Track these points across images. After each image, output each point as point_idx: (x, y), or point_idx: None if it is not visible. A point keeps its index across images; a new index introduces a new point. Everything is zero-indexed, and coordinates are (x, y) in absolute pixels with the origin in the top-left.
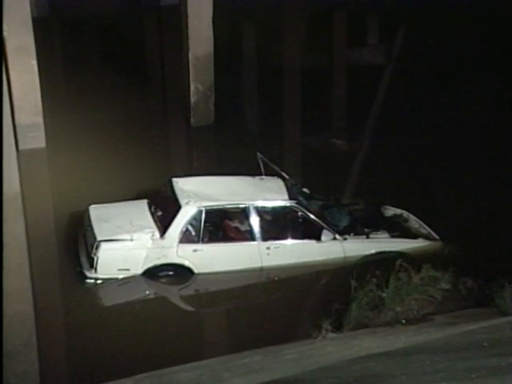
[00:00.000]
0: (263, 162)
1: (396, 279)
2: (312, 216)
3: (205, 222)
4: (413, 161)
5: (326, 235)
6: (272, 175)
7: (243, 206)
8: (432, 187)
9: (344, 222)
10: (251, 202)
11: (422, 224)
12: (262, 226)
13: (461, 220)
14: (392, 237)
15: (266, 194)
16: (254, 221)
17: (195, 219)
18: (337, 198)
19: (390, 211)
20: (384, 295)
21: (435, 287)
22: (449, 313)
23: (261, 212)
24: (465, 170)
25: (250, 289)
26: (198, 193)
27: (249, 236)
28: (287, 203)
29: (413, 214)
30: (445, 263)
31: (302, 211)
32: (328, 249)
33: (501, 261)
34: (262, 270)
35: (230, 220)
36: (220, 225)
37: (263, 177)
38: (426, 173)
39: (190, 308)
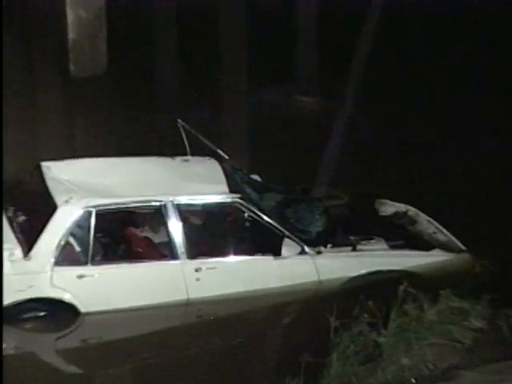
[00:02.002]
0: (187, 133)
1: (400, 314)
2: (266, 218)
3: (96, 230)
4: (419, 134)
5: (288, 247)
6: (203, 155)
7: (157, 203)
8: (449, 171)
9: (317, 226)
10: (170, 198)
11: (439, 227)
12: (187, 236)
13: (495, 223)
14: (392, 248)
15: (194, 185)
16: (175, 227)
17: (80, 227)
18: (305, 188)
19: (390, 208)
20: (381, 340)
21: (462, 325)
22: (483, 365)
23: (185, 213)
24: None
25: (169, 337)
26: (85, 184)
27: (167, 251)
28: (227, 198)
29: (424, 212)
30: (476, 288)
31: (250, 211)
32: (293, 269)
33: None
34: (188, 304)
35: (137, 227)
36: (120, 235)
37: (188, 157)
38: (438, 150)
39: (70, 371)
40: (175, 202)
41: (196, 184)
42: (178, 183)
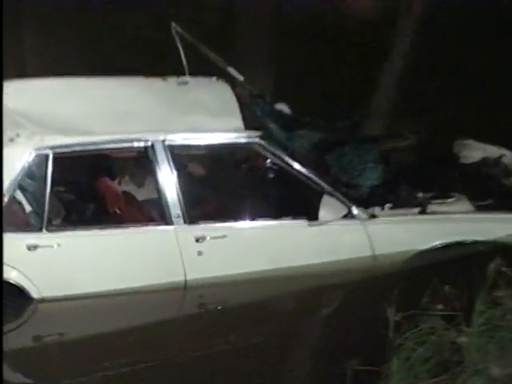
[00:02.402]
0: (184, 41)
1: (489, 304)
2: (297, 166)
3: (54, 182)
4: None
5: (329, 209)
6: (208, 75)
7: (141, 144)
8: None
9: (371, 179)
10: (159, 137)
11: None
12: (184, 191)
13: None
14: (479, 209)
15: (194, 118)
16: (167, 179)
17: (31, 176)
18: (354, 123)
19: (476, 152)
20: (463, 341)
21: None
22: None
23: (182, 159)
24: None
25: (158, 336)
26: (39, 116)
27: (155, 213)
28: (241, 138)
29: None
30: None
31: (274, 155)
32: (335, 239)
33: None
34: (185, 288)
35: (113, 178)
36: (89, 189)
37: (187, 78)
38: None
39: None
40: (167, 143)
41: (197, 116)
42: (172, 115)
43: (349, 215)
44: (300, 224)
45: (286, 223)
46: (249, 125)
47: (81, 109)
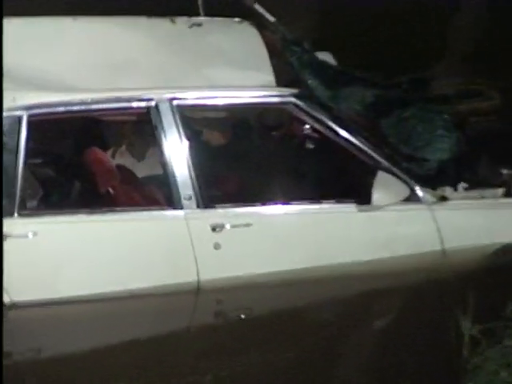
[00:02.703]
0: None
1: None
2: (345, 134)
3: (29, 152)
4: None
5: (386, 189)
6: (230, 15)
7: (142, 104)
8: None
9: (441, 151)
10: (165, 95)
11: None
12: (197, 166)
13: None
14: None
15: (211, 71)
16: (175, 150)
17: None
18: (419, 79)
19: None
20: None
21: None
22: None
23: (194, 124)
24: None
25: (166, 352)
26: (12, 67)
27: (159, 194)
28: (272, 96)
29: None
30: None
31: (314, 119)
32: (394, 229)
33: None
34: (199, 291)
35: (106, 148)
36: (75, 162)
37: (202, 19)
38: None
39: None
40: (176, 103)
41: (214, 68)
42: (182, 67)
43: (411, 198)
44: (347, 209)
45: (329, 208)
46: (282, 80)
47: (66, 58)
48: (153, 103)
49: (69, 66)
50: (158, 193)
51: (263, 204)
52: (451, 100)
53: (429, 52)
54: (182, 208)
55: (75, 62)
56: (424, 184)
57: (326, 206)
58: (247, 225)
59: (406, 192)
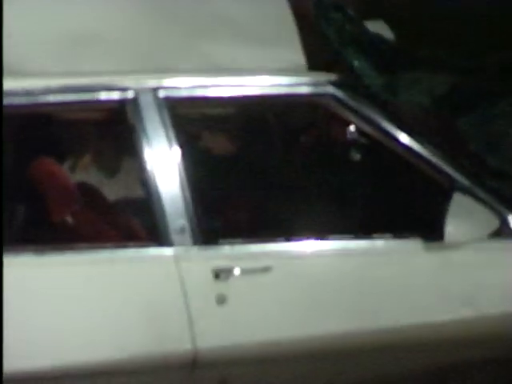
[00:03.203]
0: None
1: None
2: (406, 139)
3: None
4: None
5: (467, 218)
6: None
7: (116, 96)
8: None
9: None
10: (151, 82)
11: None
12: (194, 185)
13: None
14: None
15: (215, 48)
16: (163, 162)
17: None
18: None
19: None
20: None
21: None
22: None
23: (191, 124)
24: None
25: None
26: None
27: (140, 225)
28: (302, 85)
29: None
30: None
31: (361, 119)
32: (480, 276)
33: None
34: (195, 366)
35: (62, 158)
36: (19, 177)
37: None
38: None
39: None
40: (162, 94)
41: (220, 45)
42: (174, 42)
43: (503, 231)
44: (410, 248)
45: (384, 246)
46: (315, 61)
47: (13, 30)
48: (130, 95)
49: (17, 42)
50: (136, 223)
51: (288, 239)
52: None
53: None
54: (171, 245)
55: (18, 35)
56: None
57: (379, 244)
58: (265, 269)
59: (494, 223)
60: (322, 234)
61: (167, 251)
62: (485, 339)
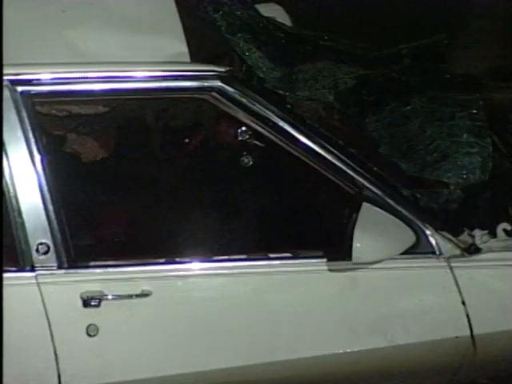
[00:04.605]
0: None
1: None
2: (306, 141)
3: None
4: None
5: (376, 234)
6: None
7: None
8: None
9: (469, 169)
10: (7, 73)
11: None
12: (57, 196)
13: None
14: None
15: (81, 35)
16: (20, 168)
17: None
18: (428, 46)
19: None
20: None
21: None
22: None
23: (55, 124)
24: None
25: None
26: None
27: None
28: (185, 79)
29: None
30: None
31: (254, 119)
32: (391, 299)
33: None
34: None
35: None
36: None
37: None
38: None
39: None
40: (20, 89)
41: (89, 31)
42: (31, 30)
43: (420, 248)
44: (312, 268)
45: (281, 266)
46: (201, 52)
47: None
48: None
49: None
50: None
51: (170, 260)
52: (482, 84)
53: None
54: (32, 268)
55: None
56: (440, 226)
57: (276, 263)
58: (143, 295)
59: (409, 239)
60: (209, 253)
61: (28, 275)
62: (401, 372)
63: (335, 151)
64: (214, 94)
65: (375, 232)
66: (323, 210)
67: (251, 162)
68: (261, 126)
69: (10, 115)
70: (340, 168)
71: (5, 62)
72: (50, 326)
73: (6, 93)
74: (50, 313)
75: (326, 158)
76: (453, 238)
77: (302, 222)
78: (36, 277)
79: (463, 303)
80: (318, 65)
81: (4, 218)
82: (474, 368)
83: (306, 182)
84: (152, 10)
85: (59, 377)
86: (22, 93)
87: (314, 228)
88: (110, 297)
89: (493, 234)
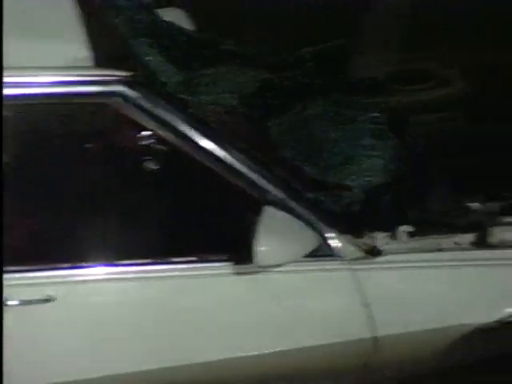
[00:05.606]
0: None
1: None
2: (209, 145)
3: None
4: None
5: (278, 238)
6: None
7: None
8: None
9: (370, 173)
10: None
11: None
12: None
13: None
14: None
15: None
16: None
17: None
18: (332, 49)
19: None
20: None
21: None
22: None
23: None
24: None
25: None
26: None
27: None
28: (86, 84)
29: None
30: None
31: (157, 123)
32: (292, 302)
33: None
34: None
35: None
36: None
37: None
38: None
39: None
40: None
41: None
42: None
43: (320, 251)
44: (213, 272)
45: (184, 271)
46: (103, 56)
47: None
48: None
49: None
50: None
51: (74, 265)
52: (385, 87)
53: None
54: None
55: None
56: (342, 228)
57: (180, 267)
58: (47, 300)
59: (312, 242)
60: (112, 257)
61: None
62: (307, 373)
63: (239, 155)
64: (117, 98)
65: (278, 235)
66: (228, 213)
67: (154, 167)
68: (164, 131)
69: None
70: (243, 172)
71: None
72: None
73: None
74: None
75: (229, 162)
76: (355, 241)
77: (207, 226)
78: None
79: (366, 305)
80: (220, 69)
81: None
82: (378, 369)
83: (210, 186)
84: (53, 16)
85: None
86: None
87: (219, 232)
88: (12, 302)
89: (394, 236)
